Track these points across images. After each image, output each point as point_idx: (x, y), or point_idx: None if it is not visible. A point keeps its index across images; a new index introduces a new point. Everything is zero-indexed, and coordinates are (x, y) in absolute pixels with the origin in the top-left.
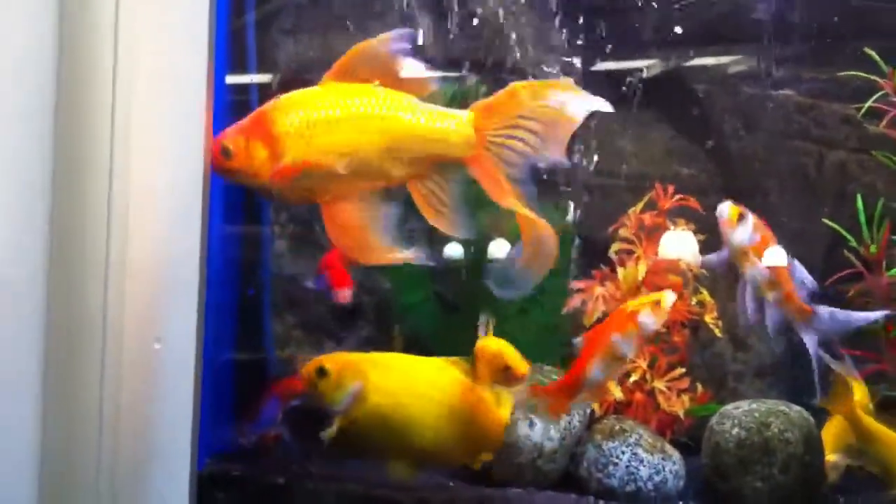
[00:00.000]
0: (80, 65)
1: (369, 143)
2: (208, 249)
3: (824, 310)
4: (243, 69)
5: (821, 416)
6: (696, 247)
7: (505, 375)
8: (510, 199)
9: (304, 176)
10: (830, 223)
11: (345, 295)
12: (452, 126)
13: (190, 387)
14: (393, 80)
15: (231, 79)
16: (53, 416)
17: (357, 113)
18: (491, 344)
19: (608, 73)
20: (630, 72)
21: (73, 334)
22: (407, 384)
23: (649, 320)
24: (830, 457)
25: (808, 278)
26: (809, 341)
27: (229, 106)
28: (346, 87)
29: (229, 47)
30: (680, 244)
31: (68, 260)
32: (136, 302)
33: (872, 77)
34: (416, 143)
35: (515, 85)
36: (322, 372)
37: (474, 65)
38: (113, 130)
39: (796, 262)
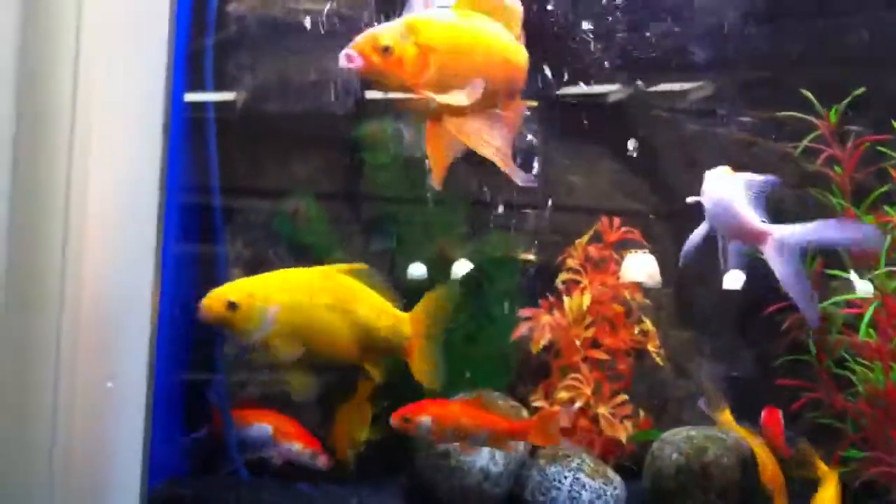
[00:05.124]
0: (39, 88)
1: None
2: (163, 272)
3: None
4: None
5: None
6: (656, 269)
7: None
8: None
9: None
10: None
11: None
12: None
13: (141, 423)
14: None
15: (190, 97)
16: (3, 451)
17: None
18: None
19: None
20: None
21: (25, 371)
22: (309, 297)
23: None
24: None
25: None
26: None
27: (187, 123)
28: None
29: (188, 68)
30: (642, 266)
31: (22, 297)
32: (89, 339)
33: (809, 118)
34: None
35: None
36: (233, 306)
37: None
38: (70, 174)
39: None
